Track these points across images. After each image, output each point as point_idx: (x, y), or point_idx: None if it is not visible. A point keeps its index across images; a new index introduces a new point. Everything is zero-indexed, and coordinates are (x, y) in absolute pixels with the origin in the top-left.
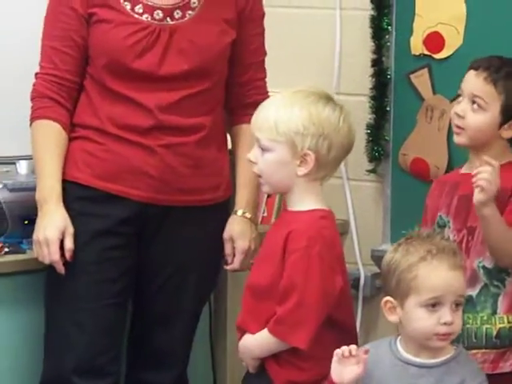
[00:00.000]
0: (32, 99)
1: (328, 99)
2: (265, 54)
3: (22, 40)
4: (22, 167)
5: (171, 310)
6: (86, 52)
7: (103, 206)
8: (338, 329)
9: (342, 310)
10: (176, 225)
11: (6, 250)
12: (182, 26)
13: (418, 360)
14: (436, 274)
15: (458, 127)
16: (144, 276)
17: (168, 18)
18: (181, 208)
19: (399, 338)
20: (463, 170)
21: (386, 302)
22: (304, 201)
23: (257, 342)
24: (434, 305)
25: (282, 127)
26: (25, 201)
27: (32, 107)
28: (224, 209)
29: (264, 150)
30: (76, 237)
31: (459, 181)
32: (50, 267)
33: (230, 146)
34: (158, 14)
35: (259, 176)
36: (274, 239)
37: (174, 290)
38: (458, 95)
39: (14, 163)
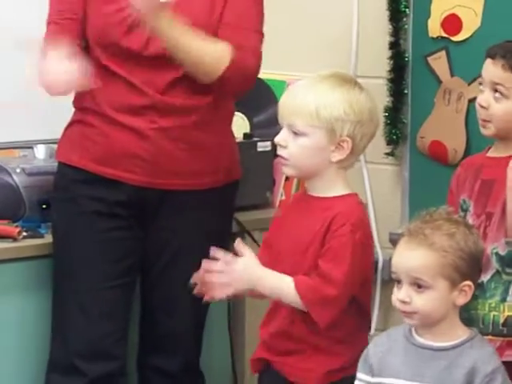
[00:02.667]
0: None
1: (361, 87)
2: (257, 24)
3: (37, 26)
4: (40, 152)
5: (172, 293)
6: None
7: (99, 189)
8: (361, 313)
9: (366, 292)
10: (175, 209)
11: (24, 234)
12: (173, 2)
13: (430, 343)
14: (396, 252)
15: (484, 120)
16: (148, 259)
17: None
18: (179, 192)
19: None
20: (489, 153)
21: None
22: (335, 187)
23: (273, 282)
24: (398, 281)
25: (323, 113)
26: (43, 185)
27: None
28: (226, 193)
29: (298, 134)
30: (76, 218)
31: (483, 164)
32: (56, 250)
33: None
34: None
35: (285, 159)
36: (309, 226)
37: (174, 274)
38: (477, 79)
39: (32, 147)
